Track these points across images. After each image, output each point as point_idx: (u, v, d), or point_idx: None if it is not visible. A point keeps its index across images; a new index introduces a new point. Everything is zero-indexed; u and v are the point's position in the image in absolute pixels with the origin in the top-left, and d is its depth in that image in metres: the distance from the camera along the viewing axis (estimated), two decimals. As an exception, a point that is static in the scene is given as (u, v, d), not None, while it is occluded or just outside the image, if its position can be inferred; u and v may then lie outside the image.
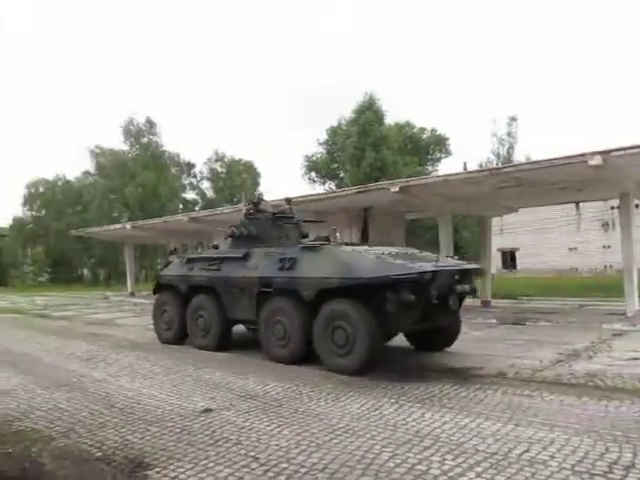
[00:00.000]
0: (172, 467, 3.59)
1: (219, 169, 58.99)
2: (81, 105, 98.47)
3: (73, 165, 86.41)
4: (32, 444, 4.13)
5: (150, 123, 48.23)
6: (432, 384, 6.02)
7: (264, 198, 10.17)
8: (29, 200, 50.66)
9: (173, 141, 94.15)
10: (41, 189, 50.70)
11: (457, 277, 7.26)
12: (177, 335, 9.60)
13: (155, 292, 10.56)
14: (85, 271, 53.36)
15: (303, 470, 3.52)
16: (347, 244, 8.37)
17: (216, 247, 10.41)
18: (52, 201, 49.52)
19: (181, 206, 51.56)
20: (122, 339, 10.53)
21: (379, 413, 4.86)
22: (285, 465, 3.61)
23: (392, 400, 5.33)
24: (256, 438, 4.18)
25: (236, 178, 56.69)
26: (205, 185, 59.67)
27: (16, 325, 13.91)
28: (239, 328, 9.09)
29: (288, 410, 5.00)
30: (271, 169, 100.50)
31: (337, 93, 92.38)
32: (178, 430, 4.42)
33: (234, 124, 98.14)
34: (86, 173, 51.16)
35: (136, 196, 43.54)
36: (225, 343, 8.88)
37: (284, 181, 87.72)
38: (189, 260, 9.64)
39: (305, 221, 9.84)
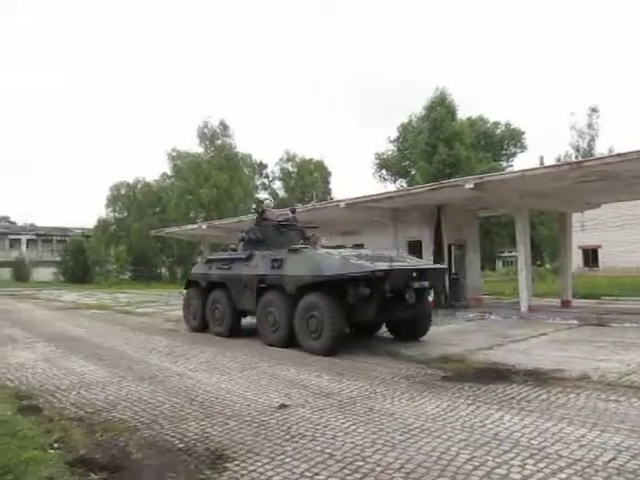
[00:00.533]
0: (250, 461, 3.68)
1: (290, 169, 59.83)
2: (160, 110, 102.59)
3: (152, 168, 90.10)
4: (119, 434, 4.35)
5: (224, 126, 49.52)
6: (510, 386, 5.85)
7: (270, 209, 12.03)
8: (112, 202, 53.33)
9: (246, 142, 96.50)
10: (123, 191, 53.23)
11: (415, 274, 8.54)
12: (200, 324, 11.26)
13: (186, 288, 12.19)
14: (163, 269, 55.56)
15: (379, 469, 3.51)
16: (324, 247, 9.71)
17: (234, 250, 11.84)
18: (133, 203, 51.88)
19: (254, 206, 52.65)
20: (199, 335, 10.87)
21: (455, 414, 4.78)
22: (361, 463, 3.62)
23: (468, 401, 5.22)
24: (331, 435, 4.22)
25: (307, 177, 57.29)
26: (277, 185, 60.77)
27: (102, 320, 14.68)
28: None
29: (363, 408, 5.01)
30: (342, 167, 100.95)
31: (407, 90, 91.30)
32: (255, 425, 4.52)
33: (304, 124, 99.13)
34: (164, 175, 53.26)
35: (211, 197, 44.86)
36: (236, 331, 10.47)
37: (355, 179, 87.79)
38: (208, 261, 11.53)
39: (305, 227, 11.27)
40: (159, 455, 3.85)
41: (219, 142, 49.43)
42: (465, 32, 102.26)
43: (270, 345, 9.06)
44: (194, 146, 49.81)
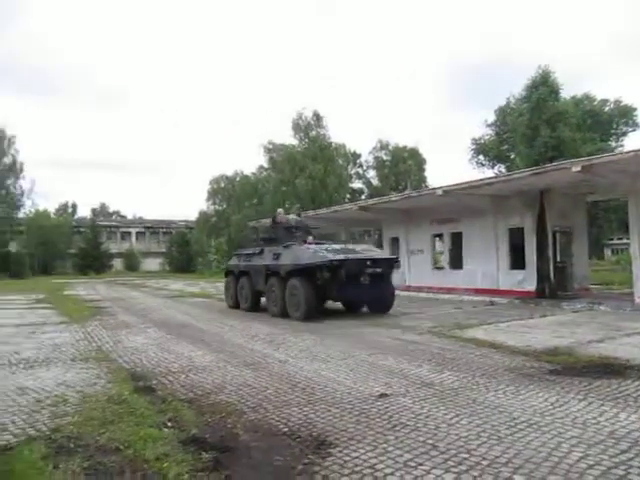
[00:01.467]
0: (353, 447, 3.71)
1: (384, 157, 59.47)
2: (256, 103, 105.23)
3: (250, 161, 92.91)
4: (227, 416, 4.53)
5: (317, 117, 50.05)
6: (625, 382, 5.48)
7: (281, 215, 15.18)
8: (212, 195, 55.69)
9: (339, 132, 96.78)
10: (222, 185, 55.38)
11: (369, 263, 11.63)
12: (235, 303, 14.78)
13: (225, 276, 15.98)
14: (261, 259, 57.19)
15: (485, 462, 3.42)
16: (309, 243, 12.78)
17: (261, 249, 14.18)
18: (232, 195, 53.86)
19: (348, 195, 52.89)
20: (300, 323, 11.11)
21: (565, 409, 4.55)
22: (465, 455, 3.54)
23: (579, 396, 4.95)
24: (434, 426, 4.16)
25: (401, 165, 56.73)
26: (371, 174, 60.64)
27: (205, 308, 15.40)
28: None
29: (465, 400, 4.90)
30: (436, 154, 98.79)
31: (505, 71, 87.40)
32: (357, 413, 4.55)
33: (398, 111, 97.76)
34: (260, 168, 54.81)
35: (306, 188, 45.58)
36: (255, 307, 13.88)
37: (450, 166, 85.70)
38: (238, 255, 15.32)
39: (313, 228, 15.48)
40: (265, 438, 3.97)
41: (313, 133, 50.02)
42: (565, 3, 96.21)
43: (273, 316, 12.30)
44: (289, 138, 50.83)
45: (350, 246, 13.01)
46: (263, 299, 13.65)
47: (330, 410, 4.64)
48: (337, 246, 12.62)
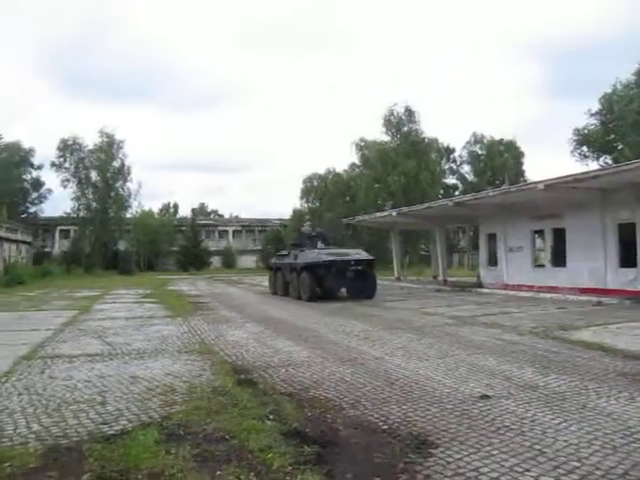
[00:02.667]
0: (456, 449, 3.63)
1: (479, 151, 57.61)
2: (348, 100, 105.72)
3: (341, 158, 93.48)
4: (326, 411, 4.60)
5: (409, 112, 49.36)
6: None
7: (305, 226, 21.88)
8: (305, 193, 56.60)
9: (432, 127, 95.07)
10: (315, 183, 56.12)
11: (352, 262, 16.44)
12: (274, 290, 19.97)
13: (269, 269, 21.74)
14: (354, 256, 57.50)
15: (598, 473, 3.22)
16: (318, 248, 17.75)
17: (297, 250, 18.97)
18: (325, 193, 54.41)
19: (441, 191, 51.80)
20: (394, 320, 11.08)
21: (689, 419, 4.20)
22: (576, 464, 3.36)
23: None
24: (540, 431, 3.98)
25: (497, 159, 54.69)
26: (465, 169, 58.98)
27: (301, 305, 15.68)
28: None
29: (574, 405, 4.65)
30: (535, 147, 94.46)
31: (607, 56, 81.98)
32: (457, 413, 4.45)
33: (493, 103, 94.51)
34: (353, 165, 54.97)
35: (399, 184, 45.13)
36: (286, 294, 18.28)
37: (550, 159, 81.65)
38: (276, 257, 21.07)
39: (327, 235, 20.49)
40: (365, 435, 3.99)
41: (405, 129, 49.44)
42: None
43: (294, 299, 17.16)
44: (380, 134, 50.50)
45: (344, 250, 18.35)
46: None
47: (430, 409, 4.58)
48: (334, 250, 17.72)
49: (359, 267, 16.62)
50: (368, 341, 8.44)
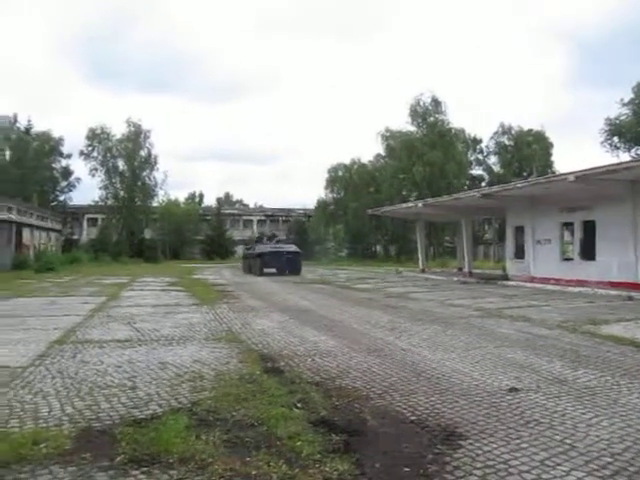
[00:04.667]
0: (485, 441, 3.60)
1: (506, 142, 56.71)
2: (373, 91, 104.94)
3: (367, 149, 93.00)
4: (353, 400, 4.60)
5: (436, 102, 48.94)
6: None
7: (263, 234, 35.78)
8: (330, 183, 56.51)
9: (458, 117, 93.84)
10: (340, 173, 55.99)
11: (285, 251, 27.83)
12: (247, 271, 29.58)
13: (243, 258, 33.59)
14: (378, 247, 57.37)
15: (632, 469, 3.17)
16: (265, 244, 29.41)
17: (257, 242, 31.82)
18: (349, 183, 54.25)
19: (467, 182, 51.25)
20: (420, 312, 11.03)
21: None
22: (609, 459, 3.31)
23: None
24: (571, 425, 3.93)
25: (525, 150, 53.79)
26: (492, 160, 58.11)
27: (326, 295, 15.71)
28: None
29: (605, 400, 4.58)
30: (564, 137, 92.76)
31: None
32: (486, 406, 4.42)
33: (520, 93, 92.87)
34: (378, 156, 54.69)
35: (424, 175, 44.81)
36: (250, 272, 28.55)
37: (579, 149, 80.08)
38: (246, 249, 34.82)
39: (277, 237, 33.15)
40: (393, 425, 3.98)
41: (431, 119, 49.04)
42: None
43: (252, 274, 27.68)
44: (406, 125, 50.13)
45: (279, 245, 29.26)
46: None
47: (458, 401, 4.56)
48: (276, 245, 28.99)
49: (289, 256, 27.54)
50: (394, 332, 8.43)
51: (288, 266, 26.86)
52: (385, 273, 29.21)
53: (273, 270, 27.38)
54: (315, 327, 8.98)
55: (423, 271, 27.86)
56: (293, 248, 28.63)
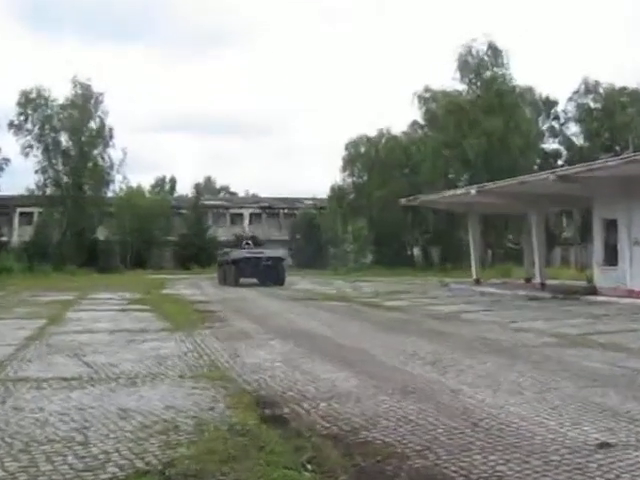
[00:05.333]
0: (567, 519, 3.61)
1: (591, 104, 56.40)
2: (407, 36, 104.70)
3: (400, 116, 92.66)
4: (384, 460, 4.60)
5: (494, 50, 48.77)
6: None
7: (244, 239, 39.36)
8: (349, 163, 56.38)
9: (525, 72, 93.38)
10: (362, 149, 55.85)
11: (264, 257, 32.76)
12: (222, 281, 35.39)
13: (218, 266, 39.59)
14: (415, 251, 57.16)
15: None
16: (243, 248, 35.27)
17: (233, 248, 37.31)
18: (375, 163, 54.16)
19: (538, 160, 51.11)
20: (474, 339, 11.08)
21: None
22: None
23: None
24: (686, 494, 3.92)
25: (618, 116, 53.46)
26: (572, 130, 57.84)
27: (346, 315, 15.79)
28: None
29: None
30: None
31: None
32: (568, 468, 4.40)
33: (610, 38, 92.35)
34: (414, 125, 54.61)
35: (479, 150, 44.67)
36: (229, 283, 32.91)
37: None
38: (222, 255, 38.29)
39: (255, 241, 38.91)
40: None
41: (488, 74, 48.95)
42: None
43: (227, 285, 32.89)
44: (453, 82, 50.02)
45: (260, 249, 34.53)
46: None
47: (528, 462, 4.54)
48: (254, 250, 33.86)
49: (269, 262, 32.14)
50: (439, 367, 8.43)
51: (268, 275, 31.89)
52: (425, 285, 29.24)
53: (253, 280, 32.82)
54: (330, 359, 9.04)
55: (477, 282, 27.84)
56: (276, 253, 34.66)
